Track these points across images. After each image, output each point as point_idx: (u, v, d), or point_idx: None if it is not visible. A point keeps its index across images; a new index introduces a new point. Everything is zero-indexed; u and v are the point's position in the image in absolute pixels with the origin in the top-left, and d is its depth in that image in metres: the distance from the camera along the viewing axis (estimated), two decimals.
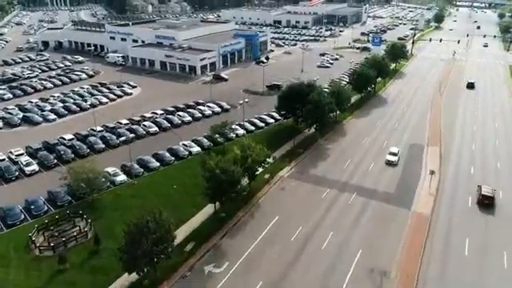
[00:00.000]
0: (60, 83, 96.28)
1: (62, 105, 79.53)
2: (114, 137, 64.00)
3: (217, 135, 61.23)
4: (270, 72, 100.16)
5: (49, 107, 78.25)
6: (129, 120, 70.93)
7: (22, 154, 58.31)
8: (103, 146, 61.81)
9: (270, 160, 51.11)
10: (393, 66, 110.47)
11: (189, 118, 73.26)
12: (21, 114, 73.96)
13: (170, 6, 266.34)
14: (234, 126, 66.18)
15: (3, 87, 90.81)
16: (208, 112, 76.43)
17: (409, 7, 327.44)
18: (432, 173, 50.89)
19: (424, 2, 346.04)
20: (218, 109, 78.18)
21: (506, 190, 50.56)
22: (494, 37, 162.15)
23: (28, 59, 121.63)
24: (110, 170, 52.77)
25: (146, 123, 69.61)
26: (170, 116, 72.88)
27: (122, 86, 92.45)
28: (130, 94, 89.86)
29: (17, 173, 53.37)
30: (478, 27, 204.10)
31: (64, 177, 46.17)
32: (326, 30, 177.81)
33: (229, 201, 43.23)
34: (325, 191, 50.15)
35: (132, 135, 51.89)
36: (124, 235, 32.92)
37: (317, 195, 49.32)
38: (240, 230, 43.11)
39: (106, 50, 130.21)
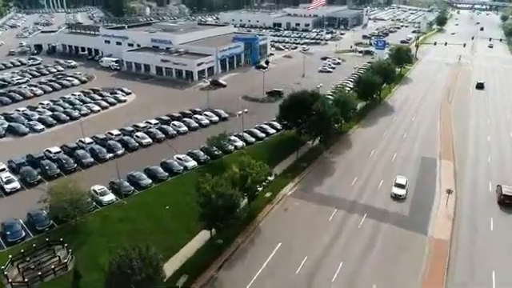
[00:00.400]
0: (51, 89, 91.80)
1: (50, 113, 75.14)
2: (104, 149, 59.67)
3: (214, 148, 56.94)
4: (270, 77, 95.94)
5: (37, 116, 73.84)
6: (120, 130, 66.57)
7: (3, 170, 53.92)
8: (92, 159, 57.43)
9: (271, 178, 46.76)
10: (398, 70, 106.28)
11: (185, 128, 68.92)
12: (6, 124, 69.56)
13: (169, 8, 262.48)
14: (232, 138, 61.94)
15: None
16: (205, 121, 72.13)
17: (409, 9, 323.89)
18: (449, 192, 46.52)
19: (424, 4, 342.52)
20: (215, 117, 73.89)
21: None
22: (500, 40, 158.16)
23: (19, 64, 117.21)
24: (97, 188, 48.44)
25: (138, 134, 65.24)
26: (165, 126, 68.51)
27: (116, 93, 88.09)
28: (124, 101, 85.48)
29: None
30: (482, 28, 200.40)
31: (44, 199, 41.70)
32: (327, 33, 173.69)
33: (226, 227, 38.86)
34: (332, 212, 45.81)
35: (120, 151, 47.14)
36: (105, 276, 28.55)
37: (323, 217, 44.96)
38: (239, 259, 38.73)
39: (101, 54, 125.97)
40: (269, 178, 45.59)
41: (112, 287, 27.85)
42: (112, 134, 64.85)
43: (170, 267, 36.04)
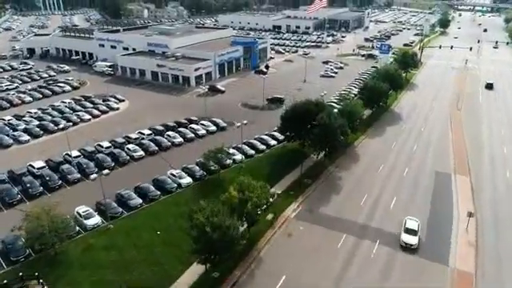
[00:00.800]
0: (40, 96, 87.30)
1: (37, 123, 70.62)
2: (92, 164, 55.22)
3: (211, 163, 52.48)
4: (271, 82, 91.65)
5: (23, 126, 69.35)
6: (111, 142, 62.07)
7: None
8: (78, 175, 52.90)
9: (272, 200, 42.26)
10: (403, 75, 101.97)
11: (180, 140, 64.47)
12: None
13: (167, 10, 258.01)
14: (231, 151, 57.49)
15: None
16: (202, 131, 67.69)
17: (410, 11, 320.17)
18: (470, 215, 42.06)
19: (425, 6, 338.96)
20: (213, 127, 69.43)
21: None
22: (507, 44, 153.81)
23: (10, 68, 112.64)
24: (82, 210, 43.91)
25: (130, 146, 60.77)
26: (159, 137, 64.01)
27: (108, 100, 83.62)
28: (117, 108, 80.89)
29: None
30: (485, 30, 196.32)
31: (18, 227, 37.14)
32: (328, 36, 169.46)
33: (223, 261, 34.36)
34: (341, 238, 41.30)
35: (106, 171, 42.40)
36: None
37: (331, 244, 40.45)
38: None
39: (95, 58, 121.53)
40: (270, 199, 41.10)
41: None
42: (102, 147, 60.27)
43: None
